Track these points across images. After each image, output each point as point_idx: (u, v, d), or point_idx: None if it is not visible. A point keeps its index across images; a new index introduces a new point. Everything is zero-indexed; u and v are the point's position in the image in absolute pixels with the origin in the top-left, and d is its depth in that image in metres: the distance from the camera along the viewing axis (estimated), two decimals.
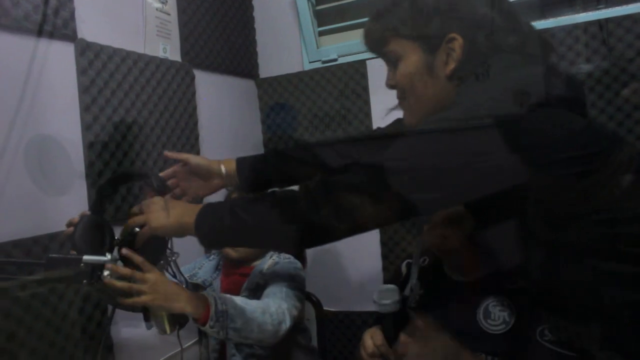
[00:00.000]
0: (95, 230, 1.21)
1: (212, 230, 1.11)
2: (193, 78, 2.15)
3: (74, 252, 1.13)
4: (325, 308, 2.04)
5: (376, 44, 1.12)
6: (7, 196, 1.40)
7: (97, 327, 1.56)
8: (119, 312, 1.34)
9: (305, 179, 1.31)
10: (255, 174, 1.42)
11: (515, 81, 0.93)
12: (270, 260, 1.67)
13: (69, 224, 1.23)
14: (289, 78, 2.61)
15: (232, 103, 2.47)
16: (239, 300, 1.39)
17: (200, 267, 1.73)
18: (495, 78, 0.96)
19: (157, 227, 1.15)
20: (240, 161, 1.44)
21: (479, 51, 0.98)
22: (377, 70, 1.38)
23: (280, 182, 1.44)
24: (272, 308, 1.42)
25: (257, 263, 1.69)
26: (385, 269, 2.44)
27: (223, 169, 1.43)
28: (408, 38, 1.04)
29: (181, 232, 1.15)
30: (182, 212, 1.15)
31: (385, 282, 2.32)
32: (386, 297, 1.26)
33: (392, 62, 1.09)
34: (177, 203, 1.20)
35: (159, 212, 1.16)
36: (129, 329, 1.64)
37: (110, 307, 1.35)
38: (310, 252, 2.56)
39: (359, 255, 2.47)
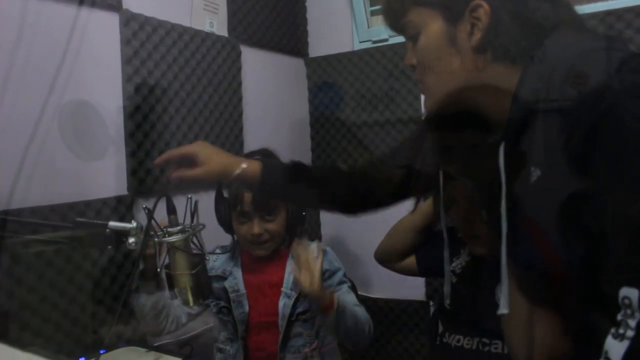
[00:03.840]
0: None
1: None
2: (239, 54, 2.13)
3: None
4: (360, 293, 2.01)
5: (395, 17, 1.01)
6: (48, 163, 1.43)
7: (120, 289, 1.59)
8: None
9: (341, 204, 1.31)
10: (283, 188, 1.28)
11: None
12: (314, 247, 1.58)
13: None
14: (338, 58, 2.56)
15: (279, 81, 2.45)
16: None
17: (215, 259, 1.70)
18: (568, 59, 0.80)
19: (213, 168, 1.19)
20: (269, 167, 1.26)
21: (515, 23, 0.89)
22: None
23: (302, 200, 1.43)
24: (365, 314, 1.56)
25: (285, 245, 1.67)
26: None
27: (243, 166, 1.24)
28: (427, 6, 0.93)
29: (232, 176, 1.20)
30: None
31: None
32: None
33: (412, 36, 0.98)
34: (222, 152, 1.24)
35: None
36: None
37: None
38: (346, 236, 2.54)
39: None
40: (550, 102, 0.76)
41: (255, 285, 1.63)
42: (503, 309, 0.96)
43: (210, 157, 1.20)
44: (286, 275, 1.62)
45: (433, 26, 0.93)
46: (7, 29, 1.34)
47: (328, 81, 2.59)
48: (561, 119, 0.75)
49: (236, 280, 1.62)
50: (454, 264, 1.40)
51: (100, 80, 1.59)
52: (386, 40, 2.47)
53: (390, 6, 1.03)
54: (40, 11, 1.41)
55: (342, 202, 1.31)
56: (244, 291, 1.61)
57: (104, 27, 1.61)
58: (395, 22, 1.01)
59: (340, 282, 1.65)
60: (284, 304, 1.58)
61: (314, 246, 1.53)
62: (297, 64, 2.60)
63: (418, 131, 1.29)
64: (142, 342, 1.50)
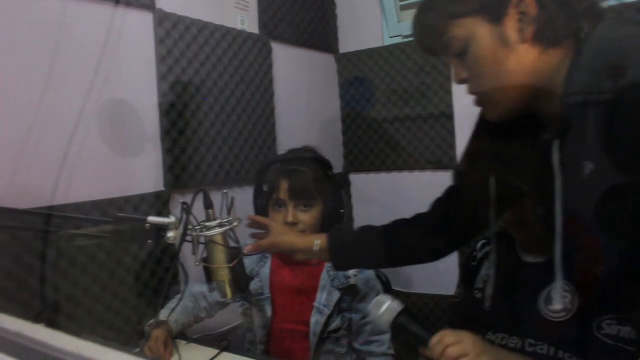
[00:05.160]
0: None
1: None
2: (270, 51, 2.15)
3: None
4: (394, 288, 2.01)
5: (434, 38, 0.97)
6: (88, 160, 1.46)
7: (160, 283, 1.62)
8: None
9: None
10: (352, 253, 1.31)
11: None
12: None
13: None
14: (369, 53, 2.56)
15: (310, 77, 2.47)
16: None
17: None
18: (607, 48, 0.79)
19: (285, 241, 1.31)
20: (334, 238, 1.30)
21: (559, 9, 0.87)
22: None
23: (377, 263, 1.44)
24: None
25: None
26: (461, 251, 2.36)
27: (317, 245, 1.29)
28: (469, 15, 0.90)
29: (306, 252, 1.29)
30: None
31: (460, 264, 2.26)
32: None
33: (459, 52, 0.94)
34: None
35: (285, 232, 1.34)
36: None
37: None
38: None
39: None
40: (601, 94, 0.75)
41: (283, 291, 1.59)
42: (557, 305, 0.95)
43: (280, 234, 1.32)
44: (320, 288, 1.56)
45: (481, 33, 0.90)
46: (48, 30, 1.38)
47: (359, 77, 2.59)
48: (612, 111, 0.73)
49: (262, 283, 1.59)
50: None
51: (136, 79, 1.62)
52: None
53: (426, 29, 1.00)
54: (78, 11, 1.45)
55: (424, 253, 1.30)
56: (269, 295, 1.58)
57: (139, 27, 1.64)
58: (436, 43, 0.98)
59: None
60: (316, 320, 1.53)
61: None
62: (328, 60, 2.61)
63: (460, 176, 1.30)
64: (181, 334, 1.52)
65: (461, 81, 0.97)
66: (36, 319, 0.64)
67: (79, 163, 1.40)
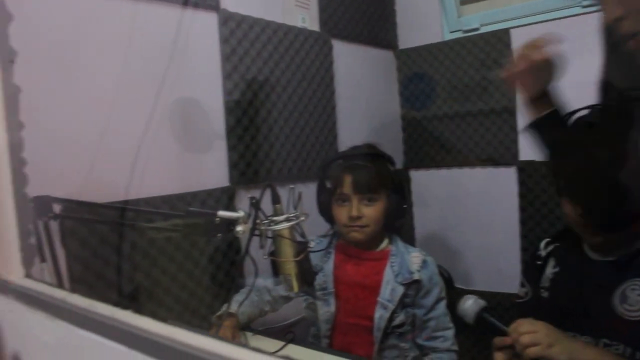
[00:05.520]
0: None
1: None
2: (331, 48, 2.17)
3: None
4: (457, 285, 1.99)
5: None
6: (158, 157, 1.51)
7: (226, 276, 1.67)
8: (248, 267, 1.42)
9: None
10: None
11: None
12: (415, 256, 1.59)
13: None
14: (428, 49, 2.54)
15: (370, 74, 2.47)
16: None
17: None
18: None
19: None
20: None
21: None
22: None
23: None
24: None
25: (383, 246, 1.63)
26: (524, 249, 2.32)
27: None
28: None
29: None
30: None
31: (523, 261, 2.22)
32: (467, 300, 1.25)
33: None
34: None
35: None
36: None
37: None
38: (442, 229, 2.52)
39: (495, 232, 2.37)
40: None
41: (347, 285, 1.59)
42: (633, 303, 0.93)
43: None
44: (383, 283, 1.55)
45: None
46: (120, 31, 1.43)
47: (418, 72, 2.57)
48: None
49: (326, 277, 1.60)
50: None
51: (202, 77, 1.67)
52: (477, 29, 2.42)
53: None
54: (148, 13, 1.50)
55: None
56: (332, 289, 1.59)
57: (204, 27, 1.68)
58: None
59: (438, 300, 1.58)
60: (380, 315, 1.53)
61: None
62: (387, 56, 2.61)
63: None
64: (247, 327, 1.56)
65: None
66: (119, 305, 0.67)
67: (150, 160, 1.45)
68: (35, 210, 1.16)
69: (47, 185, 1.13)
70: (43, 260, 1.19)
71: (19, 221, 0.95)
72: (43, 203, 1.18)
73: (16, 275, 0.95)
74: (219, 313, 1.50)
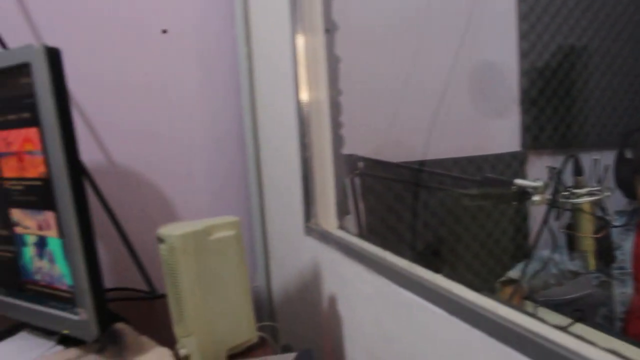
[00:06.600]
0: None
1: None
2: None
3: None
4: None
5: None
6: (452, 119, 1.53)
7: (511, 243, 1.64)
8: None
9: None
10: None
11: None
12: None
13: None
14: None
15: None
16: None
17: None
18: None
19: None
20: None
21: None
22: None
23: None
24: None
25: None
26: None
27: None
28: None
29: None
30: None
31: None
32: None
33: None
34: None
35: None
36: None
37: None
38: None
39: None
40: None
41: None
42: None
43: None
44: None
45: None
46: None
47: None
48: None
49: (624, 256, 1.47)
50: None
51: (496, 38, 1.63)
52: None
53: None
54: None
55: None
56: (630, 270, 1.46)
57: None
58: None
59: None
60: None
61: None
62: None
63: None
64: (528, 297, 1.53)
65: None
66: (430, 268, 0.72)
67: (444, 122, 1.48)
68: (345, 167, 1.29)
69: (354, 145, 1.24)
70: (347, 213, 1.32)
71: (336, 177, 1.07)
72: (351, 161, 1.30)
73: (331, 226, 1.07)
74: (502, 279, 1.50)
